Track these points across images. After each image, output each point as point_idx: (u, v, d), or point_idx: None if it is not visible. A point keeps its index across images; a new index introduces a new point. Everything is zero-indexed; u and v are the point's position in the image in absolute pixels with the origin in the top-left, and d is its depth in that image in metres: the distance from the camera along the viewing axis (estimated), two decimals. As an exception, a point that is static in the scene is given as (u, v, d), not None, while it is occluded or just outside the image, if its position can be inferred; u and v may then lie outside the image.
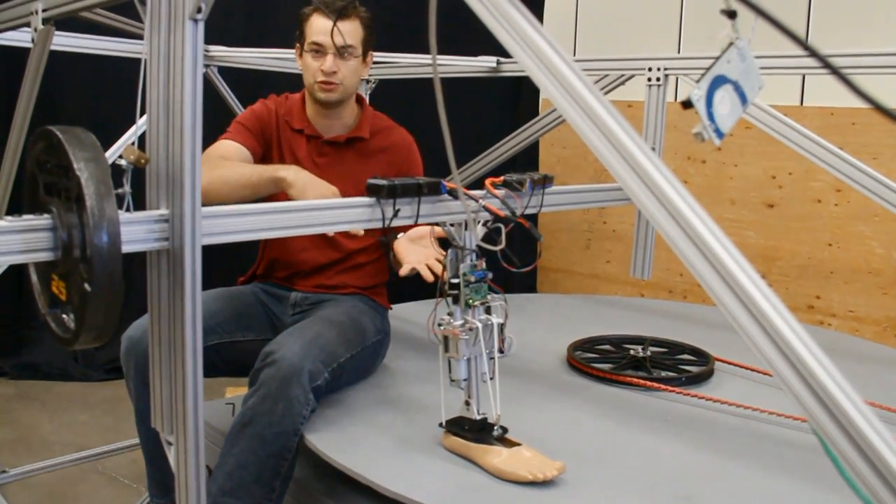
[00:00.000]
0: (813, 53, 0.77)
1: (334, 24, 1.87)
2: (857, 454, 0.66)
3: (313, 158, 2.01)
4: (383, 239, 1.74)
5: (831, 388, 0.67)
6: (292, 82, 2.61)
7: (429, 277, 1.67)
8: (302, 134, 2.01)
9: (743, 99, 0.93)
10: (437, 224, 1.50)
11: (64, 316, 1.09)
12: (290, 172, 1.73)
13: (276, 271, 2.06)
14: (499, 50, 2.47)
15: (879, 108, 0.75)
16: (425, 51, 2.49)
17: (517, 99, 4.22)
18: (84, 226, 0.98)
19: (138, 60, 1.17)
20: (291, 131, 2.01)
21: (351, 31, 1.93)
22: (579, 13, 4.16)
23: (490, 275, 1.48)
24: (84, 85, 3.45)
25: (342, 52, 1.93)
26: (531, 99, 4.20)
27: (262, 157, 1.99)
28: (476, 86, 2.92)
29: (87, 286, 0.99)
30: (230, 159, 1.87)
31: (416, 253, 1.76)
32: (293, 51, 2.52)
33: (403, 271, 1.71)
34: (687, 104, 0.89)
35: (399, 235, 1.82)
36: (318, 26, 1.92)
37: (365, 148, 2.04)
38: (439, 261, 1.70)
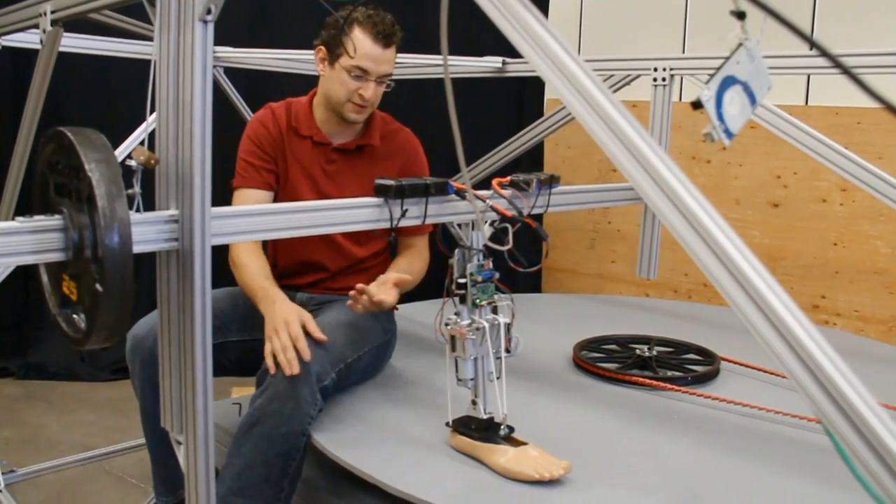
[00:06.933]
0: (824, 53, 0.78)
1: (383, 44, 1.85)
2: (871, 454, 0.66)
3: (322, 165, 1.98)
4: (391, 239, 1.73)
5: (845, 389, 0.67)
6: (296, 83, 2.61)
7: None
8: (310, 140, 1.98)
9: (752, 99, 0.93)
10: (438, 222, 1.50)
11: (75, 316, 1.09)
12: (263, 307, 1.76)
13: (282, 273, 2.05)
14: (502, 50, 2.49)
15: (889, 106, 0.75)
16: (425, 51, 2.51)
17: (522, 99, 4.22)
18: (95, 226, 0.99)
19: (146, 62, 1.18)
20: (298, 137, 1.98)
21: (393, 58, 1.91)
22: (584, 13, 4.16)
23: (497, 274, 1.48)
24: (91, 86, 3.46)
25: (383, 79, 1.92)
26: (536, 99, 4.20)
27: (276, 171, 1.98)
28: (481, 86, 2.92)
29: (98, 286, 0.99)
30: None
31: None
32: (297, 52, 2.50)
33: None
34: (697, 105, 0.89)
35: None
36: (369, 51, 1.86)
37: (374, 153, 2.01)
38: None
